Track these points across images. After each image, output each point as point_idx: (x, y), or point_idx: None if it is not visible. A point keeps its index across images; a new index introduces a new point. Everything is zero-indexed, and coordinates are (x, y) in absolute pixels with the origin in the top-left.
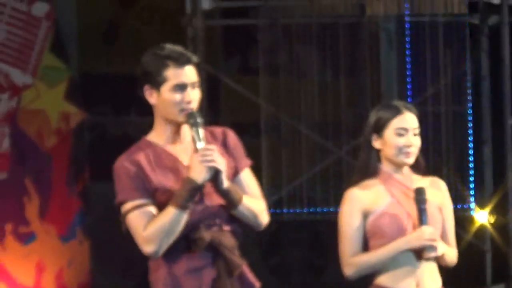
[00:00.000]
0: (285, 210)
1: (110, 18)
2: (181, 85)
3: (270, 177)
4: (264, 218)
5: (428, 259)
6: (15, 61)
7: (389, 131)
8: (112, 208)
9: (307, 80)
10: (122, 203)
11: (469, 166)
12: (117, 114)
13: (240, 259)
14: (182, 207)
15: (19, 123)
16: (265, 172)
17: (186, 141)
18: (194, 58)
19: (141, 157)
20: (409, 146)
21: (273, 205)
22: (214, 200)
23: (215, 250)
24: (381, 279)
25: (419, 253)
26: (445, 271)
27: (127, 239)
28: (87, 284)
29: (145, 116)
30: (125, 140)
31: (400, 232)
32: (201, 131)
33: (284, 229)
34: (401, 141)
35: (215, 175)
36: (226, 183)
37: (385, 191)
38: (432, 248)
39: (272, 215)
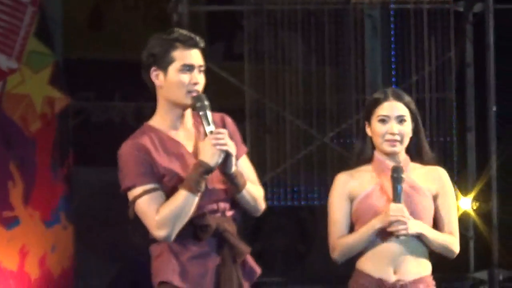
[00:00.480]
0: (268, 196)
1: (95, 4)
2: (189, 65)
3: (254, 163)
4: (262, 204)
5: (398, 237)
6: (0, 46)
7: (374, 119)
8: (96, 193)
9: (292, 66)
10: (130, 188)
11: (452, 153)
12: (101, 99)
13: (245, 245)
14: (195, 190)
15: (4, 108)
16: (249, 158)
17: (189, 127)
18: (202, 43)
19: (147, 142)
20: (392, 134)
21: None
22: (216, 185)
23: (220, 236)
24: (362, 265)
25: (392, 233)
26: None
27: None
28: (70, 269)
29: (128, 102)
30: (108, 125)
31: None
32: (210, 114)
33: (267, 215)
34: (383, 128)
35: (225, 158)
36: (234, 167)
37: (372, 178)
38: (400, 224)
39: None
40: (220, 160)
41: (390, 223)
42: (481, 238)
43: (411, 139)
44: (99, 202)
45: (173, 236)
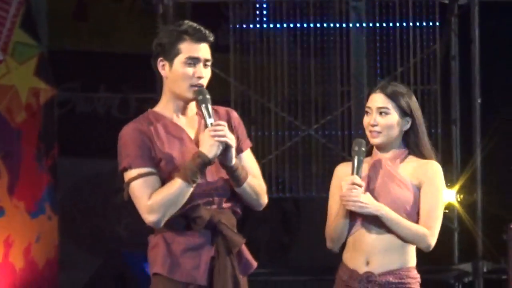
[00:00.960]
0: None
1: None
2: (195, 58)
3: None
4: (265, 198)
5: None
6: None
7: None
8: (80, 183)
9: (277, 58)
10: (126, 169)
11: (437, 145)
12: (86, 90)
13: (239, 237)
14: (190, 180)
15: None
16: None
17: (192, 116)
18: (211, 37)
19: (149, 126)
20: (372, 125)
21: None
22: (214, 177)
23: (214, 228)
24: (343, 256)
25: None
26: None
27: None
28: (55, 259)
29: (113, 93)
30: (93, 116)
31: None
32: (210, 108)
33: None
34: (367, 120)
35: (225, 150)
36: (234, 160)
37: (365, 169)
38: (349, 197)
39: None
40: (218, 152)
41: (342, 196)
42: (466, 230)
43: (409, 133)
44: (84, 193)
45: (163, 222)
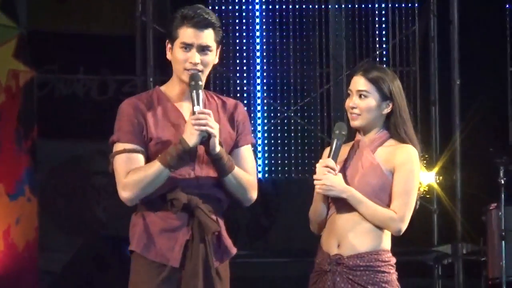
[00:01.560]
0: None
1: None
2: (188, 44)
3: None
4: (253, 194)
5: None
6: None
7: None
8: (60, 165)
9: (256, 40)
10: (114, 142)
11: (417, 127)
12: (66, 72)
13: (214, 223)
14: (168, 165)
15: None
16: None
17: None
18: (212, 24)
19: (147, 104)
20: (352, 108)
21: None
22: (199, 163)
23: (191, 212)
24: (321, 239)
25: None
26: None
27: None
28: (35, 242)
29: (92, 75)
30: (73, 98)
31: None
32: (201, 95)
33: None
34: (347, 102)
35: (207, 139)
36: (218, 148)
37: (344, 153)
38: (318, 178)
39: None
40: (198, 140)
41: (314, 178)
42: (445, 211)
43: (390, 117)
44: (63, 175)
45: (135, 201)
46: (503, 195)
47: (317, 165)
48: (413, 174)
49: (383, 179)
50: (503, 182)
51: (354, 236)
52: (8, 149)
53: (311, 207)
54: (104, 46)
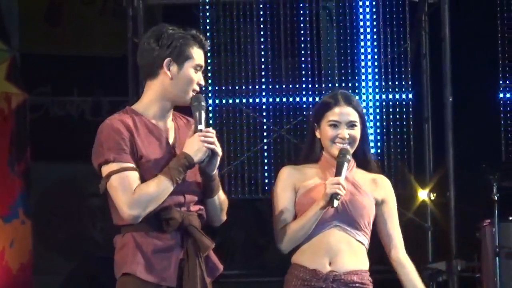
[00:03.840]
0: (226, 189)
1: None
2: (200, 66)
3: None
4: (225, 215)
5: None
6: None
7: (324, 123)
8: (54, 188)
9: (248, 58)
10: (108, 162)
11: (409, 144)
12: (59, 94)
13: (209, 240)
14: (173, 180)
15: None
16: None
17: (169, 120)
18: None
19: (131, 123)
20: (342, 139)
21: None
22: (189, 180)
23: (184, 230)
24: (297, 258)
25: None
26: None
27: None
28: (29, 264)
29: (86, 97)
30: (66, 120)
31: None
32: (203, 114)
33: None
34: (334, 132)
35: (211, 158)
36: (216, 170)
37: (317, 174)
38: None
39: None
40: (204, 157)
41: (327, 195)
42: (439, 228)
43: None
44: (57, 197)
45: (141, 219)
46: (496, 212)
47: (328, 182)
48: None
49: (371, 203)
50: (496, 198)
51: (349, 253)
52: (1, 172)
53: (300, 223)
54: (97, 68)
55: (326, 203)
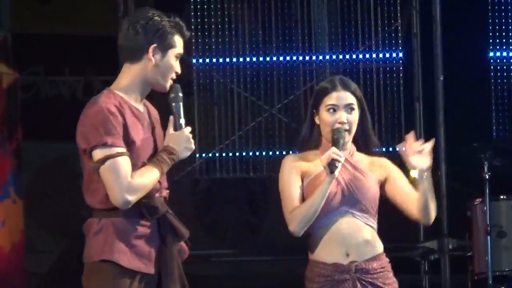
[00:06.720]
0: (217, 168)
1: None
2: (181, 54)
3: (202, 135)
4: None
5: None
6: None
7: (322, 108)
8: (45, 167)
9: (239, 38)
10: (105, 145)
11: (401, 123)
12: (51, 74)
13: (184, 227)
14: (162, 173)
15: None
16: (198, 131)
17: (142, 104)
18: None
19: (122, 107)
20: (341, 123)
21: (206, 163)
22: None
23: (162, 218)
24: (315, 255)
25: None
26: (378, 228)
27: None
28: (21, 243)
29: (78, 76)
30: (58, 100)
31: (328, 196)
32: (181, 107)
33: (218, 187)
34: (332, 117)
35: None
36: None
37: (321, 161)
38: (330, 157)
39: (205, 173)
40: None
41: (326, 169)
42: None
43: (357, 127)
44: (49, 176)
45: (132, 204)
46: (487, 190)
47: (331, 151)
48: None
49: (374, 185)
50: (487, 176)
51: (364, 241)
52: None
53: (309, 202)
54: (89, 47)
55: (329, 176)
